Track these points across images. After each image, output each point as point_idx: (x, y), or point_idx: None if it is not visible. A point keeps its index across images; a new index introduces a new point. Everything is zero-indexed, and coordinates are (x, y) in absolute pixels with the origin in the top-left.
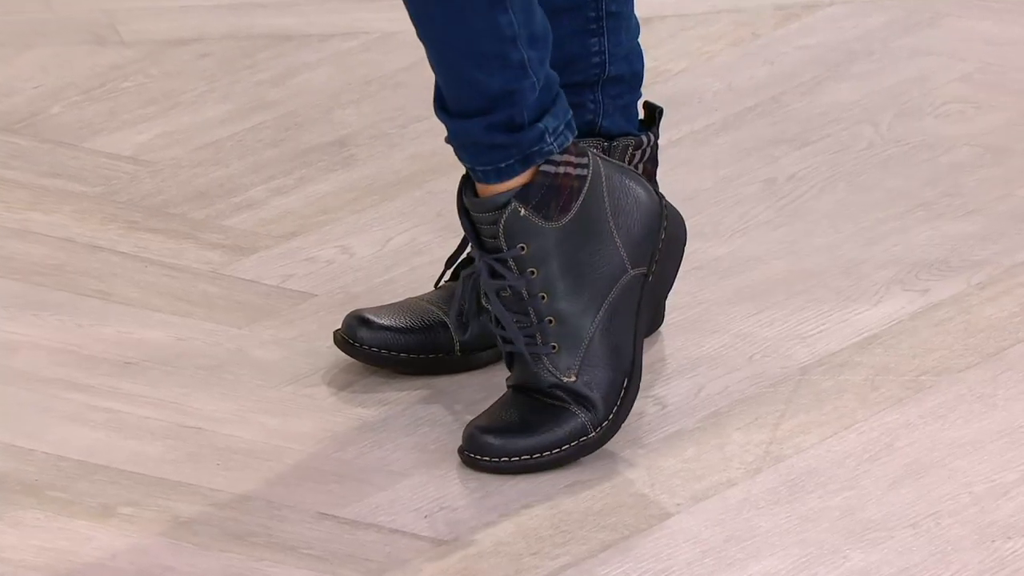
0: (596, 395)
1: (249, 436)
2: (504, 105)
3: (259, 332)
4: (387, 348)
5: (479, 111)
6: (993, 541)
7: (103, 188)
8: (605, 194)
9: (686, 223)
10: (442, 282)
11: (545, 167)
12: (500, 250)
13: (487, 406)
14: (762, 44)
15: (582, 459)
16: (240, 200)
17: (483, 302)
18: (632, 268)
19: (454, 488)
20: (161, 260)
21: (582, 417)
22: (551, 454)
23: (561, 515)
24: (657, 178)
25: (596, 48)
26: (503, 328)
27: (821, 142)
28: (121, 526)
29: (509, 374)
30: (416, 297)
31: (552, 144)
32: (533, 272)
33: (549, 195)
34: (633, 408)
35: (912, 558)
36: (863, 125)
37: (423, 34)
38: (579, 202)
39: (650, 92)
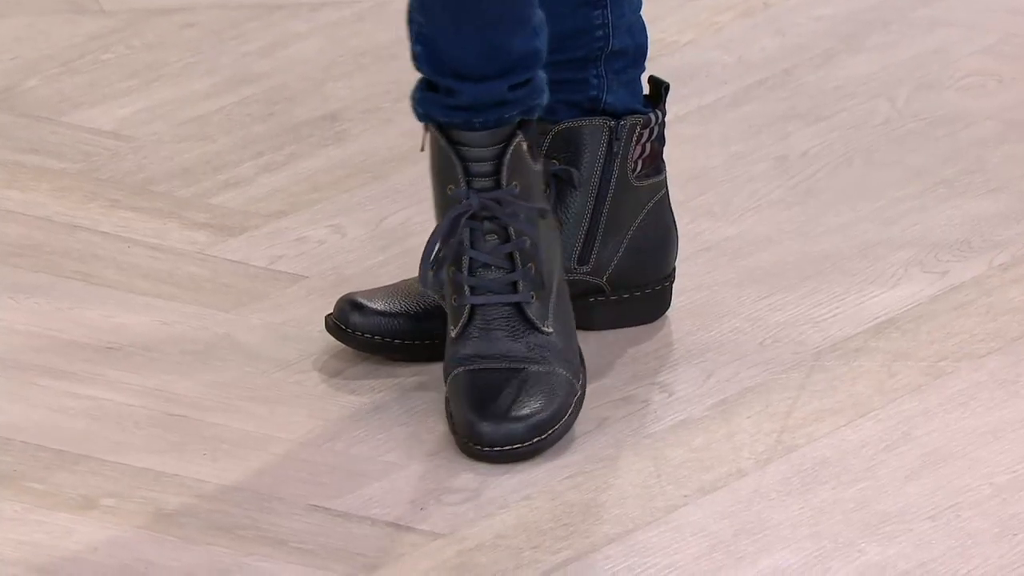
0: (569, 347)
1: (237, 424)
2: (525, 65)
3: (247, 316)
4: (381, 334)
5: (501, 73)
6: (1015, 534)
7: (83, 165)
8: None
9: (695, 201)
10: None
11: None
12: (499, 187)
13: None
14: (773, 15)
15: (584, 449)
16: (227, 177)
17: (456, 249)
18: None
19: (451, 479)
20: (144, 240)
21: (566, 373)
22: (558, 428)
23: (563, 507)
24: (664, 156)
25: (599, 21)
26: (481, 278)
27: (835, 117)
28: (103, 518)
29: (453, 338)
30: (411, 279)
31: (543, 97)
32: (521, 213)
33: (533, 137)
34: (638, 395)
35: (931, 552)
36: (879, 99)
37: (466, 7)
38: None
39: (656, 65)
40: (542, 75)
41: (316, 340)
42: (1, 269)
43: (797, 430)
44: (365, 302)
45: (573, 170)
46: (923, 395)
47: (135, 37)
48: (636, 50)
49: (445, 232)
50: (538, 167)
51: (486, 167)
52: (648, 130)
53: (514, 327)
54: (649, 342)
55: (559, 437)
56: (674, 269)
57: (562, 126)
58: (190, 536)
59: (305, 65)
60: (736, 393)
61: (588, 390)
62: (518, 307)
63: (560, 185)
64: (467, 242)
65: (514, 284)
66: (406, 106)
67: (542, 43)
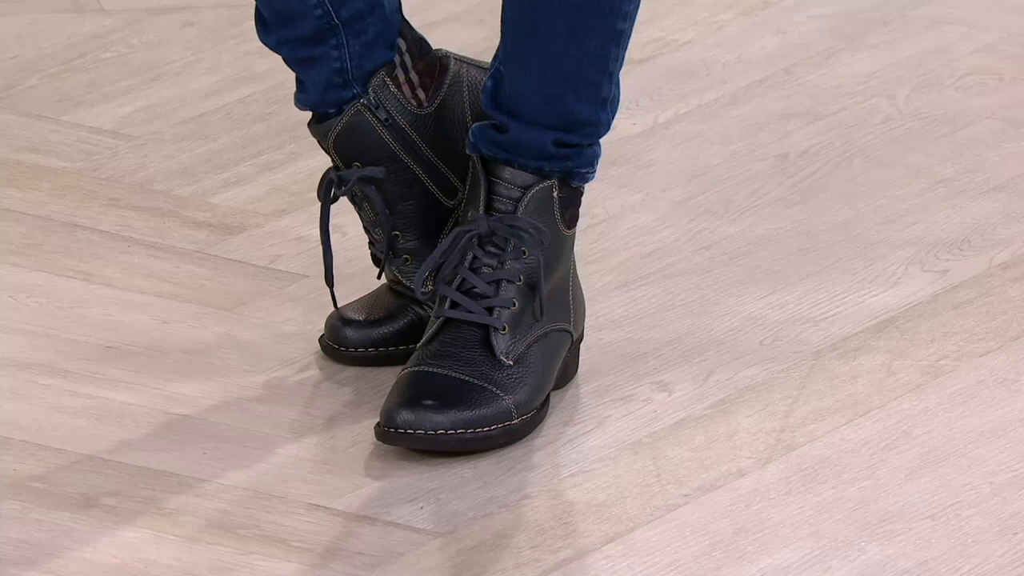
0: (522, 388)
1: (237, 423)
2: (579, 131)
3: (247, 315)
4: (375, 346)
5: (554, 127)
6: (1015, 533)
7: (83, 164)
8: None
9: (694, 200)
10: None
11: (577, 182)
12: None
13: None
14: (773, 13)
15: (584, 448)
16: (227, 176)
17: (453, 264)
18: (573, 329)
19: (451, 479)
20: (144, 239)
21: (507, 401)
22: (479, 431)
23: (563, 506)
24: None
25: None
26: (465, 295)
27: (835, 116)
28: (103, 518)
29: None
30: (387, 285)
31: (594, 173)
32: (525, 253)
33: (571, 200)
34: (638, 395)
35: (931, 551)
36: (879, 98)
37: (532, 47)
38: (574, 229)
39: (656, 63)
40: (597, 151)
41: (316, 339)
42: (1, 268)
43: (797, 429)
44: (353, 316)
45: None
46: (923, 394)
47: (135, 36)
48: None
49: (447, 247)
50: (567, 232)
51: (508, 204)
52: (400, 64)
53: (474, 350)
54: (649, 341)
55: (465, 444)
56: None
57: (345, 119)
58: (190, 535)
59: None
60: (736, 392)
61: (588, 389)
62: (486, 333)
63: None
64: (466, 262)
65: (490, 310)
66: None
67: (607, 118)
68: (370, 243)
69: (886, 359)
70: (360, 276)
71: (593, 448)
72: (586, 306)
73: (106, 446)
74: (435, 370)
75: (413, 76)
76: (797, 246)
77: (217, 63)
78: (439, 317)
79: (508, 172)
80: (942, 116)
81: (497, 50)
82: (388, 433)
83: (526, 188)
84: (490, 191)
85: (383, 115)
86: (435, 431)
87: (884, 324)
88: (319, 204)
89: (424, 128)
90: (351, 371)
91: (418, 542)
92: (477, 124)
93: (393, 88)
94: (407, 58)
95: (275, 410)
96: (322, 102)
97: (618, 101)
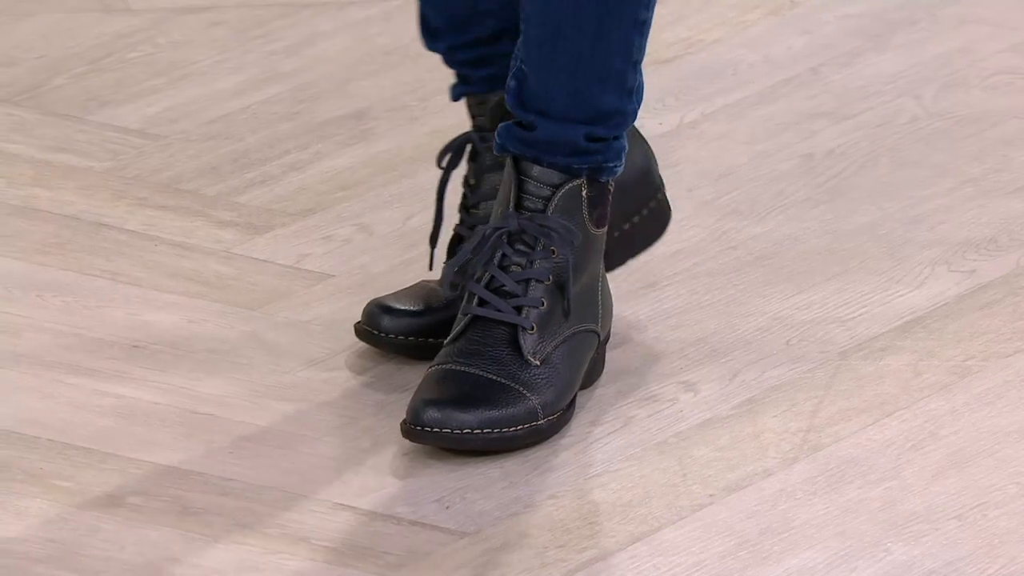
0: (550, 388)
1: (263, 423)
2: (608, 122)
3: (273, 314)
4: (412, 334)
5: (584, 120)
6: None
7: (110, 163)
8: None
9: (721, 200)
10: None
11: (606, 177)
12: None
13: None
14: (800, 13)
15: (610, 448)
16: (253, 176)
17: (483, 262)
18: (600, 330)
19: (477, 478)
20: (171, 239)
21: (533, 401)
22: (506, 432)
23: (588, 506)
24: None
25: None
26: (493, 293)
27: (862, 116)
28: (129, 517)
29: (446, 344)
30: (430, 280)
31: (621, 166)
32: (554, 252)
33: (601, 198)
34: (664, 395)
35: (957, 551)
36: (906, 98)
37: (559, 45)
38: (606, 228)
39: (683, 63)
40: (623, 143)
41: (342, 339)
42: (28, 267)
43: (823, 429)
44: (393, 304)
45: None
46: (950, 394)
47: (162, 35)
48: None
49: (476, 243)
50: (596, 232)
51: (539, 203)
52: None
53: (501, 349)
54: (675, 341)
55: (491, 443)
56: (660, 180)
57: (497, 95)
58: (216, 534)
59: (331, 63)
60: (762, 392)
61: (614, 388)
62: (514, 332)
63: None
64: (496, 260)
65: (519, 309)
66: (432, 105)
67: (634, 107)
68: (460, 221)
69: (913, 359)
70: (385, 276)
71: (619, 448)
72: (613, 306)
73: (132, 445)
74: (462, 368)
75: None
76: (823, 246)
77: (243, 63)
78: (467, 314)
79: (537, 170)
80: (969, 116)
81: (517, 49)
82: (415, 431)
83: (556, 187)
84: (520, 189)
85: None
86: (461, 430)
87: (911, 324)
88: (439, 171)
89: None
90: (377, 370)
91: (444, 542)
92: (503, 124)
93: None
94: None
95: (301, 410)
96: (491, 92)
97: (643, 90)
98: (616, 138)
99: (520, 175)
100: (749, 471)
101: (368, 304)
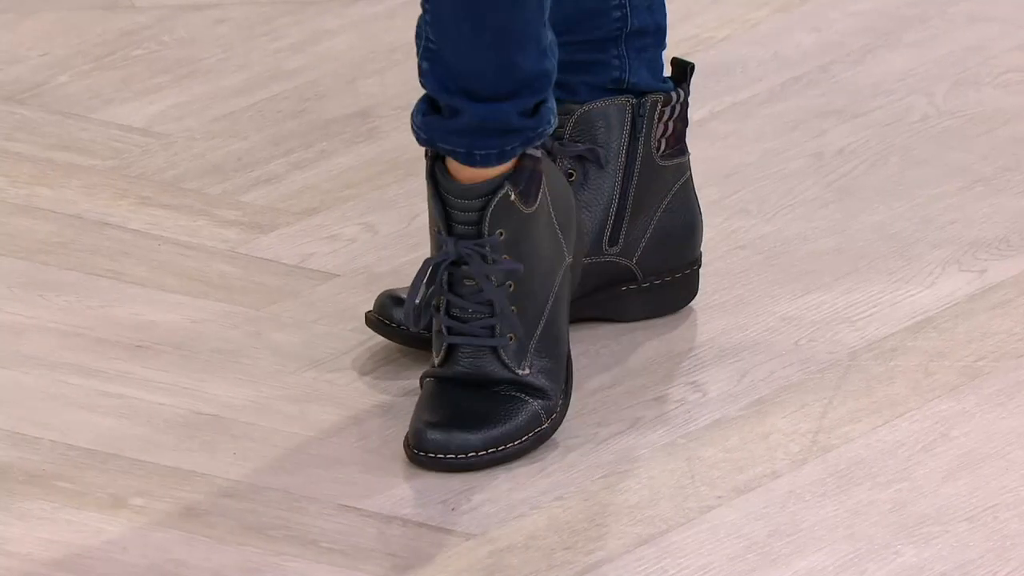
0: (547, 384)
1: (267, 424)
2: (532, 88)
3: (278, 314)
4: (423, 326)
5: (510, 95)
6: None
7: (113, 161)
8: (545, 179)
9: (729, 199)
10: None
11: (531, 150)
12: (480, 236)
13: None
14: (809, 10)
15: (617, 449)
16: (258, 174)
17: (438, 292)
18: (568, 255)
19: (483, 479)
20: (175, 238)
21: (535, 405)
22: (510, 447)
23: (596, 508)
24: (697, 151)
25: (616, 2)
26: (458, 321)
27: (872, 114)
28: (132, 518)
29: (435, 367)
30: None
31: (551, 126)
32: (505, 259)
33: (531, 180)
34: (672, 395)
35: (968, 554)
36: (916, 96)
37: (480, 20)
38: (543, 187)
39: (691, 61)
40: (551, 103)
41: (347, 338)
42: (31, 266)
43: (833, 430)
44: (405, 295)
45: (599, 148)
46: (960, 395)
47: (166, 33)
48: (656, 30)
49: (426, 278)
50: (530, 209)
51: (471, 216)
52: (670, 108)
53: (490, 363)
54: (683, 341)
55: (497, 460)
56: (700, 254)
57: (585, 107)
58: (220, 536)
59: (337, 62)
60: (771, 393)
61: (621, 389)
62: (494, 350)
63: (586, 166)
64: (446, 285)
65: (491, 328)
66: None
67: (552, 65)
68: None
69: (923, 360)
70: (390, 275)
71: (626, 449)
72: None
73: (136, 446)
74: (457, 388)
75: (669, 125)
76: (833, 245)
77: (248, 61)
78: (441, 343)
79: (456, 187)
80: (980, 114)
81: (420, 28)
82: (419, 457)
83: (482, 206)
84: (449, 218)
85: (638, 126)
86: (466, 454)
87: (921, 324)
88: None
89: (641, 176)
90: (382, 371)
91: (450, 543)
92: (423, 116)
93: (655, 118)
94: (677, 108)
95: (305, 410)
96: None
97: (556, 45)
98: (543, 102)
99: (440, 192)
100: (758, 472)
101: (380, 295)
